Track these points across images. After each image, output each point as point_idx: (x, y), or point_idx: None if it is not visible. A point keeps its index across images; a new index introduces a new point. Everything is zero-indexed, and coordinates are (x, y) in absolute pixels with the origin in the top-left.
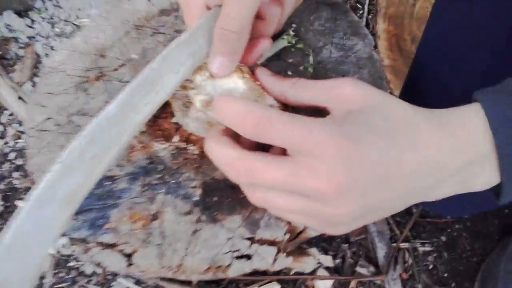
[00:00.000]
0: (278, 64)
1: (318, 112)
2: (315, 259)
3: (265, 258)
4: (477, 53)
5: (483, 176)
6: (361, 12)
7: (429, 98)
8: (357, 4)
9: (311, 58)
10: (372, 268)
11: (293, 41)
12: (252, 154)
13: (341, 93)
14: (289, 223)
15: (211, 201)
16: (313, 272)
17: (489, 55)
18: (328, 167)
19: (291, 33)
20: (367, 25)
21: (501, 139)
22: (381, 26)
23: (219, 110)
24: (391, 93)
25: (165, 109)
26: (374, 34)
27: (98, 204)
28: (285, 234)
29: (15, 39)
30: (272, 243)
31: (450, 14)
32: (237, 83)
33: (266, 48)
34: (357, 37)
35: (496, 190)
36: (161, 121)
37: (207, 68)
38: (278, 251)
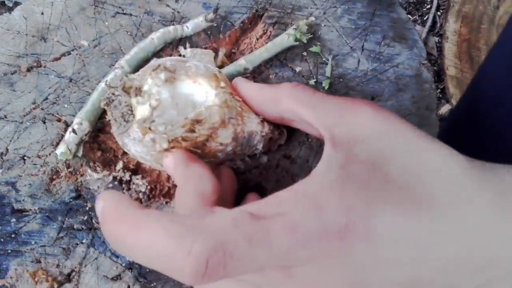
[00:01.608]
0: (279, 71)
1: None
2: None
3: None
4: None
5: None
6: (428, 6)
7: (484, 139)
8: None
9: (328, 69)
10: None
11: (305, 40)
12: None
13: (354, 117)
14: None
15: None
16: None
17: None
18: (331, 277)
19: (304, 27)
20: (434, 23)
21: None
22: (451, 25)
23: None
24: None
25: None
26: (441, 35)
27: None
28: None
29: None
30: None
31: None
32: (208, 94)
33: None
34: (402, 43)
35: None
36: (104, 137)
37: (164, 66)
38: None
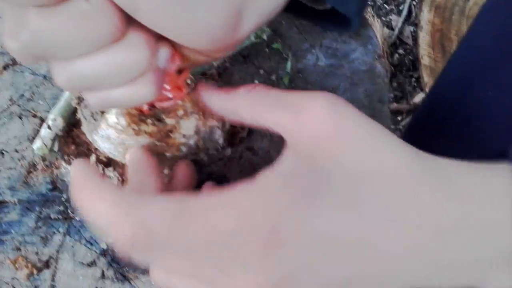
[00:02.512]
0: (243, 68)
1: None
2: None
3: None
4: None
5: (500, 281)
6: None
7: (445, 137)
8: None
9: (289, 64)
10: None
11: (265, 36)
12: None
13: (308, 114)
14: None
15: None
16: None
17: None
18: (251, 272)
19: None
20: (410, 12)
21: None
22: (425, 15)
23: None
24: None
25: None
26: (416, 24)
27: None
28: None
29: None
30: None
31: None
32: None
33: None
34: (357, 40)
35: None
36: (77, 131)
37: None
38: None
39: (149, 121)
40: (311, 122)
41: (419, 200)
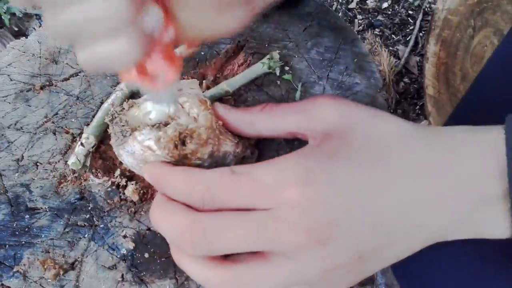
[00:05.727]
0: (256, 95)
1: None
2: None
3: None
4: None
5: (494, 223)
6: (411, 28)
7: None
8: (409, 19)
9: (298, 94)
10: None
11: (277, 68)
12: (207, 214)
13: (317, 112)
14: None
15: (141, 257)
16: None
17: None
18: (295, 216)
19: (275, 56)
20: (416, 43)
21: None
22: (431, 47)
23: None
24: None
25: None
26: (422, 55)
27: (11, 240)
28: None
29: (37, 16)
30: None
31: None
32: (198, 117)
33: None
34: (361, 74)
35: None
36: (105, 147)
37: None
38: None
39: (174, 144)
40: (321, 112)
41: (414, 151)
